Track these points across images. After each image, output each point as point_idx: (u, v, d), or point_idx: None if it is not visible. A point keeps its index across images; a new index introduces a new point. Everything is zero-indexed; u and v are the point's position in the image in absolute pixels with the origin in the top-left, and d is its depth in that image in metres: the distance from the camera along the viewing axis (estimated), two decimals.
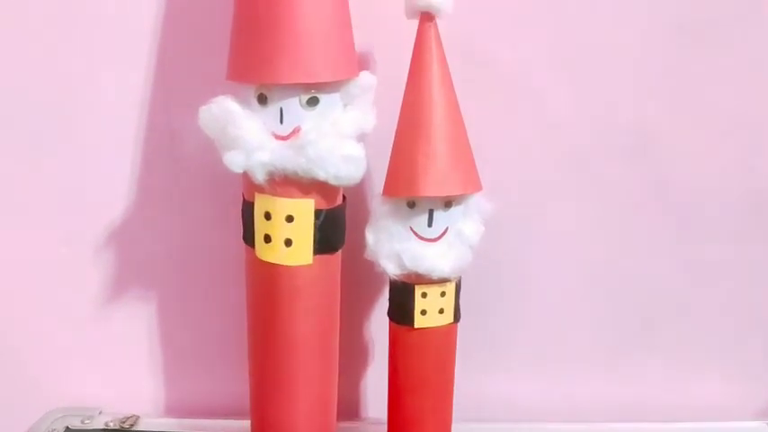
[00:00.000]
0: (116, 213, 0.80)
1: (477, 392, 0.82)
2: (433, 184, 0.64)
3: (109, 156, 0.79)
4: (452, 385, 0.73)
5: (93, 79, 0.76)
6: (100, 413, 0.84)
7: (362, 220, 0.71)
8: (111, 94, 0.77)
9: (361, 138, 0.64)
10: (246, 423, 0.71)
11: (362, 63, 0.69)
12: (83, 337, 0.85)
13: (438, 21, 0.65)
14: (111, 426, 0.82)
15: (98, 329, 0.84)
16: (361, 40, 0.65)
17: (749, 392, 0.86)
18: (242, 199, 0.66)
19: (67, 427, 0.81)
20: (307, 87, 0.61)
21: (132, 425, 0.83)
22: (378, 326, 0.83)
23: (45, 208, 0.80)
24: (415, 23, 0.65)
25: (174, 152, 0.78)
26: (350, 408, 0.86)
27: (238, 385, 0.74)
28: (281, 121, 0.62)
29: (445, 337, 0.71)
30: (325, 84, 0.61)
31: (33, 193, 0.80)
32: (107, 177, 0.79)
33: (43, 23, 0.74)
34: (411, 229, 0.67)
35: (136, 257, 0.82)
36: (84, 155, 0.79)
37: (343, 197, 0.67)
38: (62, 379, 0.86)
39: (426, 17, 0.64)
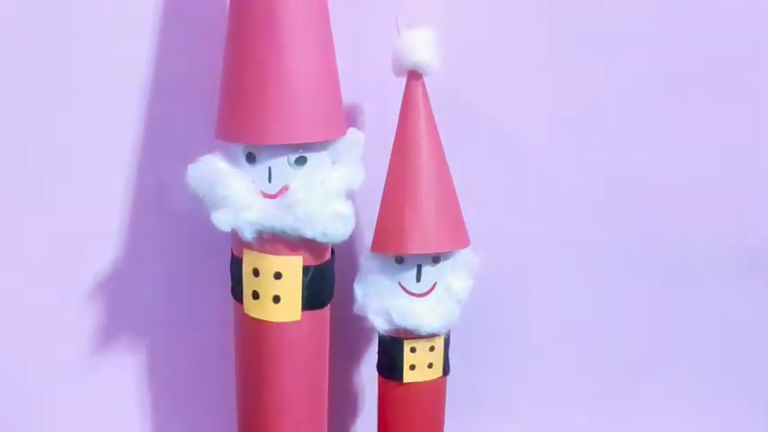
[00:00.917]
0: (105, 264, 0.81)
1: None
2: (420, 241, 0.66)
3: (99, 207, 0.79)
4: None
5: (85, 133, 0.78)
6: None
7: (351, 273, 0.72)
8: (101, 148, 0.78)
9: (350, 194, 0.65)
10: None
11: (350, 118, 0.71)
12: (71, 387, 0.84)
13: (427, 78, 0.66)
14: None
15: (86, 379, 0.84)
16: (349, 96, 0.67)
17: None
18: (230, 253, 0.67)
19: None
20: (295, 147, 0.62)
21: None
22: (367, 379, 0.84)
23: (35, 258, 0.81)
24: (403, 79, 0.67)
25: (163, 205, 0.79)
26: None
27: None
28: (270, 180, 0.62)
29: (434, 391, 0.72)
30: (314, 143, 0.62)
31: (23, 243, 0.80)
32: (97, 229, 0.80)
33: (36, 78, 0.76)
34: (399, 284, 0.69)
35: (125, 308, 0.83)
36: (75, 206, 0.79)
37: (332, 251, 0.67)
38: (50, 428, 0.85)
39: (414, 75, 0.66)
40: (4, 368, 0.83)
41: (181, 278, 0.82)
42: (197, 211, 0.69)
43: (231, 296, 0.69)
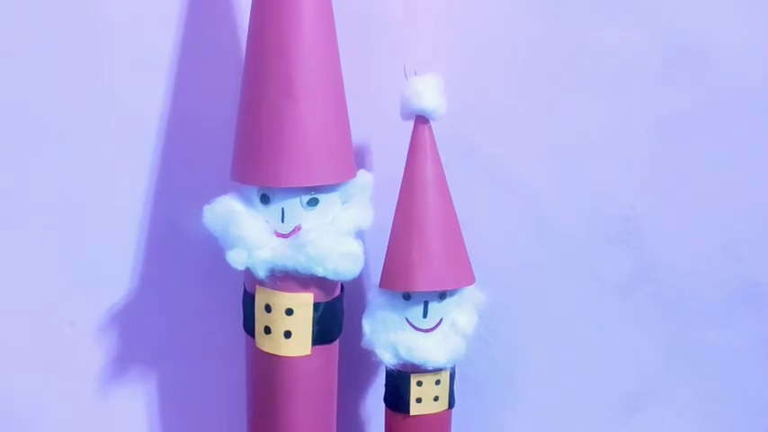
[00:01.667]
0: (119, 297, 0.82)
1: None
2: (427, 278, 0.68)
3: (113, 243, 0.81)
4: None
5: (103, 170, 0.79)
6: None
7: (359, 309, 0.73)
8: (119, 184, 0.79)
9: (360, 234, 0.67)
10: None
11: (360, 160, 0.73)
12: (83, 415, 0.85)
13: (433, 122, 0.69)
14: None
15: (98, 408, 0.85)
16: (358, 139, 0.69)
17: None
18: (243, 288, 0.69)
19: None
20: (307, 189, 0.64)
21: None
22: (374, 412, 0.85)
23: (51, 289, 0.82)
24: (411, 123, 0.69)
25: (177, 241, 0.80)
26: None
27: None
28: (283, 220, 0.65)
29: (440, 424, 0.73)
30: (326, 185, 0.64)
31: (39, 275, 0.81)
32: (111, 263, 0.81)
33: (57, 116, 0.78)
34: (407, 319, 0.70)
35: (137, 339, 0.84)
36: (90, 241, 0.81)
37: (341, 287, 0.69)
38: None
39: (421, 120, 0.69)
40: (18, 397, 0.84)
41: (193, 312, 0.83)
42: (210, 246, 0.70)
43: (243, 330, 0.70)
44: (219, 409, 0.85)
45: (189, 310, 0.83)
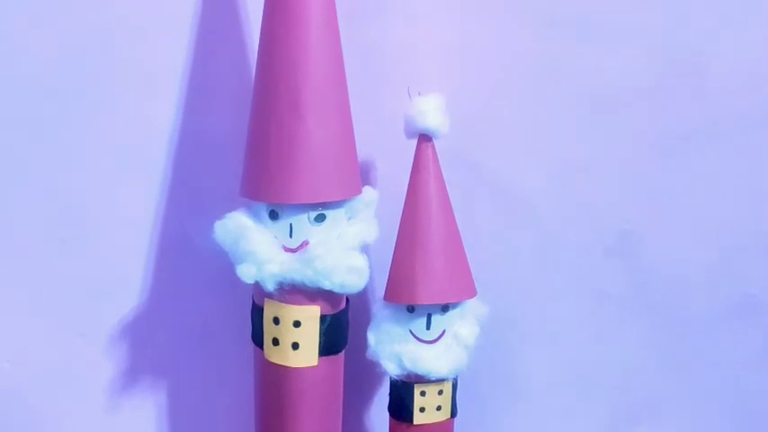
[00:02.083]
0: (130, 308, 0.84)
1: None
2: (431, 291, 0.70)
3: (125, 256, 0.82)
4: None
5: (116, 187, 0.81)
6: None
7: (365, 321, 0.75)
8: (131, 202, 0.81)
9: (365, 248, 0.68)
10: None
11: (365, 177, 0.75)
12: (94, 426, 0.87)
13: (436, 140, 0.70)
14: None
15: (108, 418, 0.86)
16: (364, 157, 0.71)
17: None
18: (251, 301, 0.71)
19: None
20: (315, 205, 0.66)
21: None
22: (378, 421, 0.86)
23: (64, 302, 0.84)
24: (414, 141, 0.71)
25: (187, 255, 0.82)
26: None
27: None
28: (291, 235, 0.67)
29: None
30: (332, 202, 0.66)
31: (54, 289, 0.83)
32: (123, 276, 0.83)
33: (73, 133, 0.80)
34: (411, 331, 0.72)
35: (147, 350, 0.85)
36: (102, 254, 0.83)
37: (347, 301, 0.71)
38: None
39: (424, 138, 0.71)
40: (29, 406, 0.86)
41: (202, 324, 0.85)
42: (219, 260, 0.72)
43: (251, 342, 0.72)
44: (228, 419, 0.86)
45: (198, 322, 0.85)
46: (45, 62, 0.78)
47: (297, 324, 0.67)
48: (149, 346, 0.85)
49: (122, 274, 0.83)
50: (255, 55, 0.70)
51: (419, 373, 0.71)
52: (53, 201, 0.82)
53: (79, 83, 0.79)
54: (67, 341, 0.84)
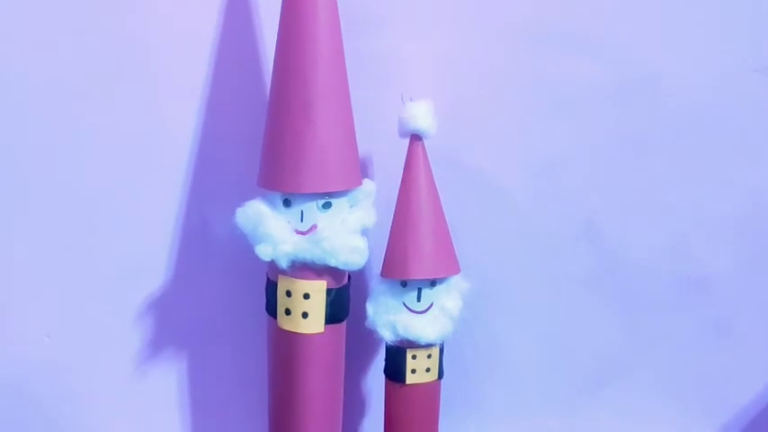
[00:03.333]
0: (155, 287, 0.88)
1: None
2: (420, 269, 0.75)
3: (153, 240, 0.87)
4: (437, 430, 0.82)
5: (146, 179, 0.85)
6: None
7: (363, 294, 0.81)
8: (160, 192, 0.85)
9: (365, 231, 0.75)
10: None
11: (365, 171, 0.79)
12: (121, 391, 0.91)
13: (426, 140, 0.76)
14: None
15: (134, 384, 0.90)
16: (364, 154, 0.76)
17: None
18: (266, 278, 0.76)
19: None
20: (322, 194, 0.72)
21: None
22: (375, 381, 0.90)
23: (98, 281, 0.88)
24: (407, 140, 0.77)
25: (207, 238, 0.87)
26: None
27: None
28: (302, 220, 0.73)
29: (431, 392, 0.80)
30: (337, 191, 0.73)
31: (89, 269, 0.87)
32: (151, 257, 0.87)
33: (97, 122, 0.83)
34: (403, 303, 0.77)
35: (171, 323, 0.89)
36: (132, 238, 0.87)
37: (348, 277, 0.77)
38: (102, 427, 0.92)
39: (415, 138, 0.76)
40: (68, 376, 0.90)
41: (221, 298, 0.89)
42: (236, 243, 0.77)
43: (266, 313, 0.77)
44: (244, 382, 0.90)
45: (217, 298, 0.89)
46: (83, 64, 0.81)
47: (306, 296, 0.73)
48: (173, 321, 0.89)
49: (151, 255, 0.87)
50: (271, 64, 0.74)
51: (411, 338, 0.76)
52: (89, 189, 0.85)
53: (113, 84, 0.82)
54: (100, 316, 0.88)
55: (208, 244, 0.87)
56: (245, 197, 0.75)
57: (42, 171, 0.85)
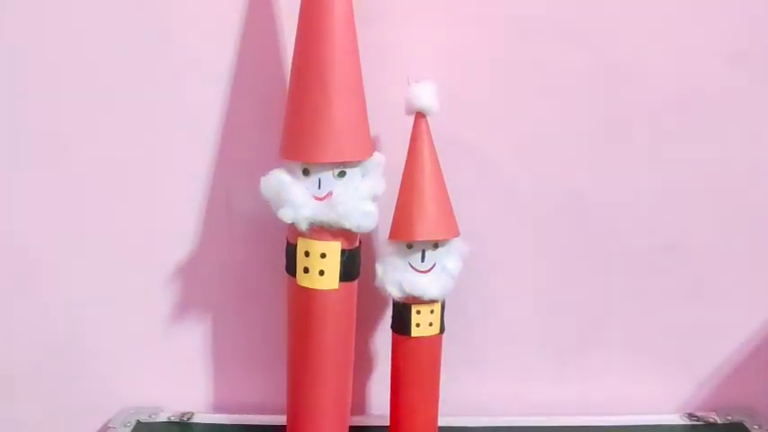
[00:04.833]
0: (183, 252, 0.92)
1: (455, 390, 0.90)
2: (424, 232, 0.78)
3: (182, 209, 0.91)
4: (439, 382, 0.84)
5: (176, 154, 0.89)
6: (162, 411, 0.94)
7: (373, 256, 0.85)
8: (190, 164, 0.89)
9: (375, 198, 0.78)
10: (282, 418, 0.82)
11: (375, 144, 0.81)
12: (151, 350, 0.95)
13: (429, 117, 0.78)
14: (173, 419, 0.94)
15: (163, 343, 0.95)
16: (374, 129, 0.79)
17: (669, 392, 0.97)
18: (286, 242, 0.80)
19: (138, 421, 0.92)
20: (338, 164, 0.75)
21: (189, 418, 0.94)
22: (382, 336, 0.94)
23: (125, 246, 0.92)
24: (412, 118, 0.78)
25: (231, 206, 0.90)
26: (358, 405, 0.95)
27: (277, 386, 0.85)
28: (319, 188, 0.76)
29: (434, 344, 0.83)
30: (351, 162, 0.76)
31: (116, 235, 0.92)
32: (181, 225, 0.91)
33: (124, 101, 0.86)
34: (409, 263, 0.80)
35: (196, 285, 0.93)
36: (158, 207, 0.91)
37: (360, 241, 0.79)
38: (133, 383, 0.97)
39: (420, 115, 0.78)
40: (100, 334, 0.95)
41: (243, 262, 0.93)
42: (257, 211, 0.83)
43: (285, 273, 0.79)
44: (265, 337, 0.94)
45: (239, 262, 0.93)
46: (115, 51, 0.85)
47: (323, 256, 0.76)
48: (198, 282, 0.93)
49: (181, 223, 0.91)
50: (291, 49, 0.76)
51: (415, 295, 0.78)
52: (126, 163, 0.89)
53: (148, 70, 0.86)
54: (130, 279, 0.93)
55: (231, 214, 0.91)
56: (269, 169, 0.78)
57: (82, 146, 0.90)
